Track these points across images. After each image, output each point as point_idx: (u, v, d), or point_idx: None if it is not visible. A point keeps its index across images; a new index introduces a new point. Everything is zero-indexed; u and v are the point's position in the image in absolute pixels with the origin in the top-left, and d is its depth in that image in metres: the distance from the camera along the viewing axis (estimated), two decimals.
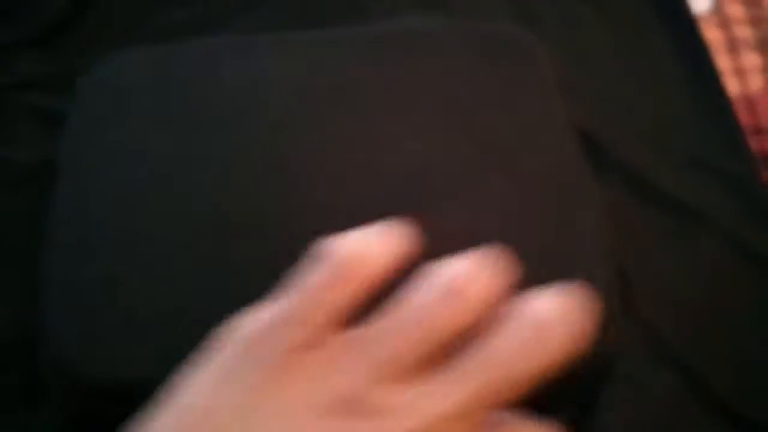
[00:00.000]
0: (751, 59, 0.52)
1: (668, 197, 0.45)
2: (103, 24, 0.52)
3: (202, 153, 0.39)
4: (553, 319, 0.23)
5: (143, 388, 0.32)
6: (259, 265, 0.36)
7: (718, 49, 0.52)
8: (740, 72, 0.52)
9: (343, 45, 0.43)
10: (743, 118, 0.48)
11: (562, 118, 0.40)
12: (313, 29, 0.46)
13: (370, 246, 0.25)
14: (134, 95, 0.41)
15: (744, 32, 0.53)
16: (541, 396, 0.36)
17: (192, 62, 0.43)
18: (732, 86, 0.50)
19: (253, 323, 0.25)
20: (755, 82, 0.51)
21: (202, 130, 0.40)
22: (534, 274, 0.35)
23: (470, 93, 0.41)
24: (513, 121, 0.40)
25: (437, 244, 0.35)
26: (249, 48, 0.43)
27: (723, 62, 0.51)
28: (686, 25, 0.52)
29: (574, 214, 0.38)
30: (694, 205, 0.45)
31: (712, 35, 0.52)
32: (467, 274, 0.24)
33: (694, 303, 0.42)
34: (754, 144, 0.48)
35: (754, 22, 0.54)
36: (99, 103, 0.41)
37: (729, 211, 0.45)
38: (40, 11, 0.51)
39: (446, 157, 0.39)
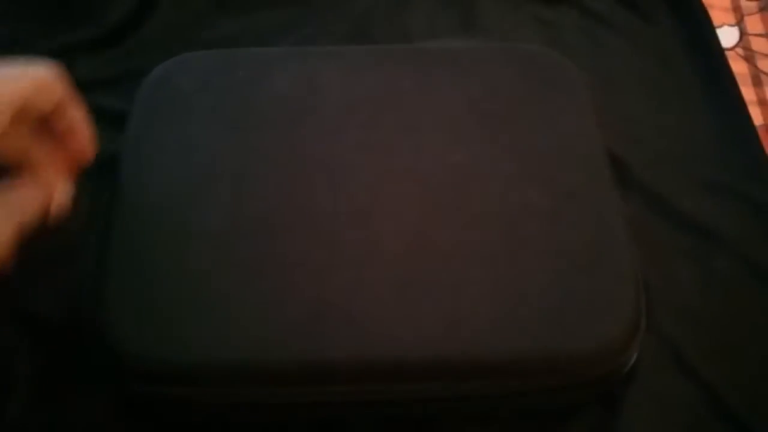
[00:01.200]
0: None
1: (687, 218, 0.46)
2: (158, 31, 0.54)
3: (252, 155, 0.40)
4: None
5: (196, 372, 0.35)
6: (295, 257, 0.37)
7: (744, 82, 0.53)
8: (764, 103, 0.53)
9: (390, 59, 0.44)
10: (766, 147, 0.49)
11: (597, 138, 0.42)
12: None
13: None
14: (191, 97, 0.43)
15: None
16: (569, 396, 0.38)
17: (246, 68, 0.44)
18: (756, 117, 0.51)
19: None
20: None
21: (253, 133, 0.41)
22: (566, 286, 0.37)
23: (511, 111, 0.42)
24: (551, 140, 0.41)
25: (476, 250, 0.37)
26: (302, 57, 0.44)
27: (748, 94, 0.52)
28: (716, 57, 0.53)
29: (604, 231, 0.39)
30: (711, 226, 0.46)
31: (738, 68, 0.53)
32: None
33: (710, 319, 0.43)
34: None
35: None
36: (158, 104, 0.42)
37: (744, 234, 0.46)
38: (100, 16, 0.53)
39: (487, 172, 0.40)
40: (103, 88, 0.49)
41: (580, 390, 0.38)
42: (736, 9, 0.59)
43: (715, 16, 0.56)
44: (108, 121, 0.47)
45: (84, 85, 0.49)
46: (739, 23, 0.58)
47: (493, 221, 0.38)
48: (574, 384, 0.37)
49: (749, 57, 0.56)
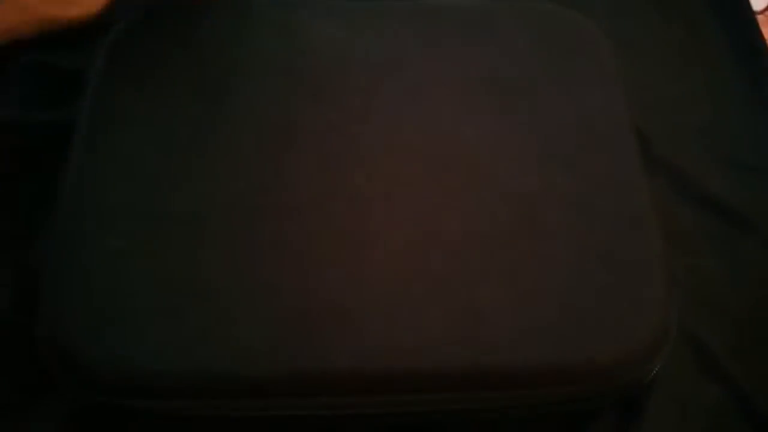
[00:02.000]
0: None
1: (714, 199, 0.44)
2: None
3: (231, 125, 0.38)
4: None
5: (169, 383, 0.32)
6: (282, 246, 0.34)
7: None
8: None
9: (392, 17, 0.42)
10: None
11: (625, 113, 0.39)
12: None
13: None
14: (159, 58, 0.40)
15: None
16: (588, 404, 0.36)
17: (224, 23, 0.41)
18: None
19: None
20: None
21: (232, 99, 0.38)
22: (589, 286, 0.34)
23: (528, 79, 0.40)
24: (571, 111, 0.39)
25: (489, 241, 0.35)
26: (289, 11, 0.41)
27: None
28: (745, 21, 0.50)
29: (633, 221, 0.36)
30: (741, 209, 0.44)
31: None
32: None
33: (739, 315, 0.41)
34: None
35: None
36: (122, 65, 0.39)
37: None
38: None
39: (502, 150, 0.38)
40: (62, 45, 0.45)
41: (596, 399, 0.36)
42: None
43: None
44: (66, 83, 0.44)
45: (40, 41, 0.45)
46: None
47: (509, 209, 0.36)
48: (591, 394, 0.35)
49: None
